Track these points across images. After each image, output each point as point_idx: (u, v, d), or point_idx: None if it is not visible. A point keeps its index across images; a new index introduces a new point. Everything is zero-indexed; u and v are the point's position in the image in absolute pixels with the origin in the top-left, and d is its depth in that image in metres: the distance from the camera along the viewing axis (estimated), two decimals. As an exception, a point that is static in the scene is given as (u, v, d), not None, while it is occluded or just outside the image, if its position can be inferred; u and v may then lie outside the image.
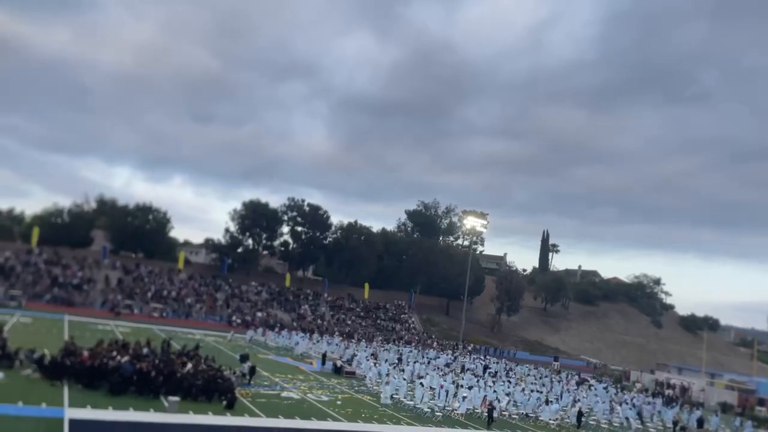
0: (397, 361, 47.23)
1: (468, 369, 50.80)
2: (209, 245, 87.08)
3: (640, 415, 39.05)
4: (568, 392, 43.59)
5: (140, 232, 79.03)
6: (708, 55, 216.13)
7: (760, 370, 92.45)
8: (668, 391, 59.98)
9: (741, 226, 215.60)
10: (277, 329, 57.42)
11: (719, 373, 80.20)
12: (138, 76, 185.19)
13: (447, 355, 60.52)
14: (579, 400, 39.29)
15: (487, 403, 30.79)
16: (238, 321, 65.10)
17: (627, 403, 41.85)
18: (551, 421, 32.52)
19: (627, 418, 36.39)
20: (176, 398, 22.57)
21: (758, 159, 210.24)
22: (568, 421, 34.01)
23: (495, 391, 36.30)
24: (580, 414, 33.37)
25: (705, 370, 73.18)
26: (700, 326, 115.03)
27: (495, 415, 30.00)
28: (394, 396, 31.83)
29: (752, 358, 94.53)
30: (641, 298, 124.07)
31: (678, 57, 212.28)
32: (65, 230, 74.87)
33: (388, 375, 35.54)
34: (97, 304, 59.40)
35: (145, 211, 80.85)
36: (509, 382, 43.46)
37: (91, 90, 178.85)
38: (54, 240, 70.79)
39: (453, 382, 37.41)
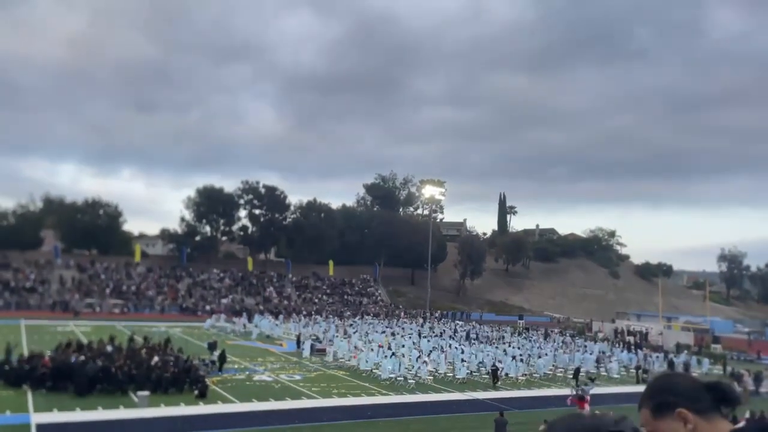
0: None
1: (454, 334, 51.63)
2: (165, 236, 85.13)
3: (599, 362, 40.61)
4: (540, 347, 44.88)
5: (92, 228, 76.56)
6: (640, 12, 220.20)
7: (713, 309, 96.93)
8: (629, 338, 62.31)
9: (686, 173, 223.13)
10: (245, 315, 56.93)
11: (675, 316, 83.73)
12: (75, 69, 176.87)
13: (417, 323, 61.30)
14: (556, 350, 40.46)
15: (492, 364, 32.50)
16: (207, 309, 64.25)
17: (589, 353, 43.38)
18: (520, 378, 33.47)
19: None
20: (146, 393, 22.22)
21: (698, 108, 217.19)
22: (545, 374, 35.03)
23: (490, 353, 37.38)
24: (577, 370, 34.59)
25: (662, 315, 76.17)
26: (654, 273, 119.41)
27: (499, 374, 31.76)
28: (366, 368, 32.13)
29: (705, 299, 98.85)
30: (598, 251, 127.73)
31: (611, 15, 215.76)
32: (12, 233, 71.87)
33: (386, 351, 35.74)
34: (53, 305, 57.62)
35: (95, 206, 78.36)
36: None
37: (27, 87, 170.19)
38: (1, 244, 67.97)
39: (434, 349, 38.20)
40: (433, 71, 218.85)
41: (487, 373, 33.68)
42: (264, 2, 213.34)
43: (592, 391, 24.71)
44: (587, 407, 22.77)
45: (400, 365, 31.56)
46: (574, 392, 24.38)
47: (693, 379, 2.03)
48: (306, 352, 38.18)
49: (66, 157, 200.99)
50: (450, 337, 49.51)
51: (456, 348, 39.79)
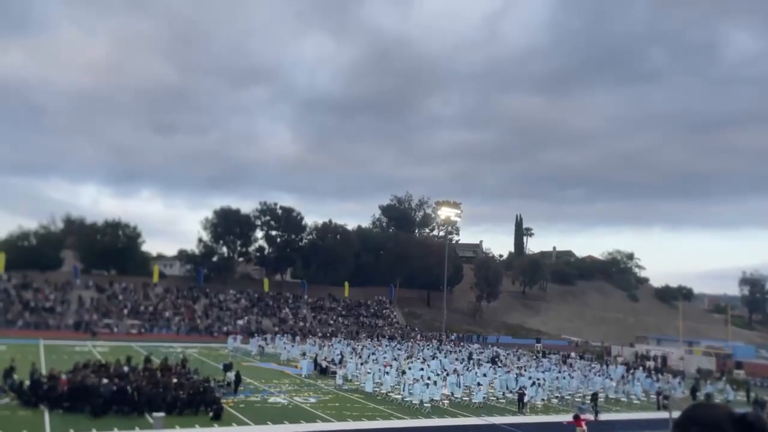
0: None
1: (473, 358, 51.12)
2: (183, 256, 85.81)
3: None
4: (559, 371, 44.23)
5: (111, 248, 77.48)
6: (654, 34, 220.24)
7: (735, 334, 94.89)
8: (649, 363, 61.19)
9: (705, 195, 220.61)
10: (257, 336, 56.92)
11: (696, 340, 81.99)
12: (96, 92, 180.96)
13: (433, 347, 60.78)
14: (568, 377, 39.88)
15: (519, 388, 32.20)
16: (224, 330, 64.39)
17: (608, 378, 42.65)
18: (538, 403, 32.95)
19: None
20: (161, 414, 22.26)
21: (715, 129, 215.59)
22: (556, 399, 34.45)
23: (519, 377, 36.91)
24: (595, 396, 34.00)
25: (682, 339, 74.69)
26: (674, 296, 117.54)
27: (525, 400, 31.02)
28: (381, 390, 31.86)
29: (726, 324, 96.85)
30: (616, 273, 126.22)
31: (626, 37, 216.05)
32: (33, 253, 72.98)
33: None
34: (71, 326, 58.12)
35: (114, 227, 79.35)
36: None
37: (49, 110, 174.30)
38: (22, 264, 68.85)
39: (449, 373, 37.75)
40: (448, 93, 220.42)
41: (504, 397, 33.29)
42: (281, 26, 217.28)
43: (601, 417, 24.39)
44: (584, 426, 22.58)
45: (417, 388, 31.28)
46: (593, 417, 24.06)
47: (720, 411, 1.99)
48: (304, 371, 38.11)
49: (87, 178, 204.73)
50: (462, 360, 48.97)
51: (469, 370, 39.39)
